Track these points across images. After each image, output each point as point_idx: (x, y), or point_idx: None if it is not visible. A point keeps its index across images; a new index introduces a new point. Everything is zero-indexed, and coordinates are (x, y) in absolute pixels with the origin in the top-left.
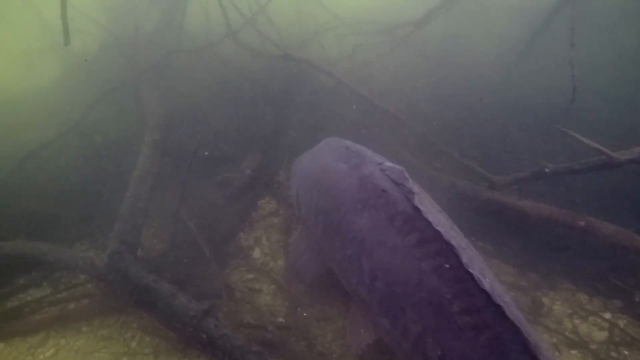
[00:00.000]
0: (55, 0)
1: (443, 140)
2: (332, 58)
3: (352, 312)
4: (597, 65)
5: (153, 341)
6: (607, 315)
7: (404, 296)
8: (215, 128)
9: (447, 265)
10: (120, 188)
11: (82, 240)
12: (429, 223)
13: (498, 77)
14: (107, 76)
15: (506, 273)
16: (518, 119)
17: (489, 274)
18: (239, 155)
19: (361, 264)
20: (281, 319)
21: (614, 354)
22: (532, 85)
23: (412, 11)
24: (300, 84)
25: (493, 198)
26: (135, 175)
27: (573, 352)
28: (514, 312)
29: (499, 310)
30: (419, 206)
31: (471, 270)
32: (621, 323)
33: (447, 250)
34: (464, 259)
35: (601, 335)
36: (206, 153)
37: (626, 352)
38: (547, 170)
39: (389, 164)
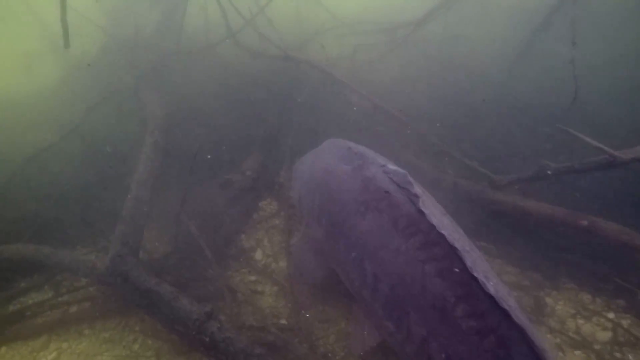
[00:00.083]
0: (54, 2)
1: (444, 140)
2: (332, 58)
3: (355, 314)
4: (598, 64)
5: (155, 344)
6: (611, 315)
7: (407, 299)
8: (216, 129)
9: (451, 269)
10: (121, 190)
11: (84, 243)
12: (432, 226)
13: (499, 76)
14: (108, 78)
15: (508, 273)
16: (519, 118)
17: (493, 276)
18: (240, 156)
19: (364, 266)
20: (283, 321)
21: (618, 354)
22: (534, 84)
23: (412, 11)
24: (301, 84)
25: (495, 198)
26: (136, 178)
27: (577, 352)
28: (519, 316)
29: (503, 314)
30: (423, 209)
31: (475, 274)
32: (625, 323)
33: (451, 254)
34: (468, 263)
35: (605, 336)
36: (209, 156)
37: (630, 356)
38: (549, 172)
39: (392, 166)
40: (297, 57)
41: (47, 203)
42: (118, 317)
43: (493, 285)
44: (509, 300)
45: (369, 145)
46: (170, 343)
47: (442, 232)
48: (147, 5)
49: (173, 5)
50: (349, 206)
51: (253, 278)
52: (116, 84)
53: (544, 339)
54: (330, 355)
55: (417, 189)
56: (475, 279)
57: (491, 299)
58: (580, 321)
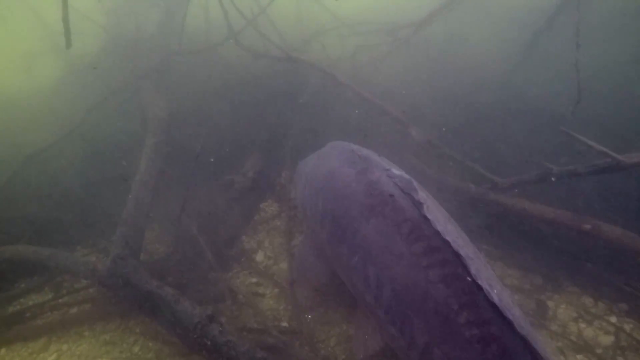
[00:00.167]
0: (55, 2)
1: (446, 142)
2: (333, 59)
3: (358, 318)
4: (602, 66)
5: (155, 346)
6: (613, 319)
7: (410, 305)
8: (217, 130)
9: (455, 276)
10: (122, 191)
11: (84, 244)
12: (436, 232)
13: (501, 77)
14: (109, 78)
15: (510, 276)
16: (522, 120)
17: (497, 284)
18: (241, 157)
19: (367, 270)
20: (284, 323)
21: (620, 358)
22: (536, 85)
23: (413, 12)
24: (302, 85)
25: (497, 200)
26: (137, 179)
27: (579, 356)
28: (523, 325)
29: (507, 323)
30: (427, 215)
31: (480, 282)
32: (627, 327)
33: (455, 260)
34: (473, 270)
35: (607, 340)
36: (212, 159)
37: None
38: (553, 179)
39: (396, 171)
40: (298, 58)
41: (47, 203)
42: (118, 319)
43: (497, 293)
44: (513, 309)
45: (371, 146)
46: (171, 345)
47: (447, 238)
48: (148, 5)
49: (174, 6)
50: (352, 210)
51: (254, 280)
52: (117, 84)
53: (547, 349)
54: (331, 358)
55: (422, 194)
56: (479, 287)
57: (495, 307)
58: (582, 325)
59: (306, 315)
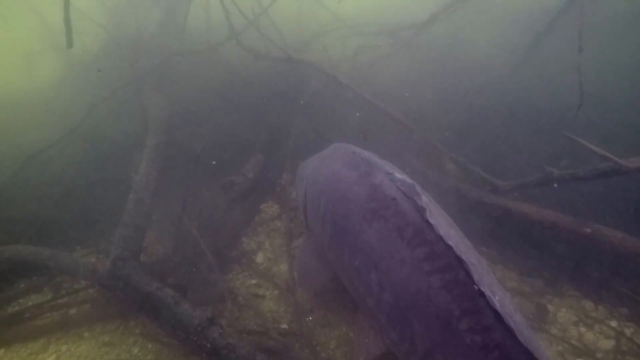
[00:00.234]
0: (55, 1)
1: (447, 144)
2: (334, 60)
3: (359, 323)
4: (604, 69)
5: (155, 347)
6: (614, 324)
7: (412, 310)
8: (218, 131)
9: (457, 282)
10: (122, 191)
11: (84, 244)
12: (439, 237)
13: (503, 79)
14: (109, 78)
15: (510, 279)
16: (522, 122)
17: (499, 290)
18: (241, 158)
19: (369, 274)
20: (285, 325)
21: None
22: (537, 88)
23: (414, 13)
24: (303, 86)
25: (497, 203)
26: (137, 180)
27: None
28: (525, 332)
29: (509, 330)
30: (430, 220)
31: (482, 288)
32: (628, 332)
33: (457, 266)
34: (475, 276)
35: (608, 344)
36: (213, 162)
37: None
38: (555, 185)
39: (399, 175)
40: (299, 59)
41: (47, 203)
42: (118, 320)
43: (499, 299)
44: (515, 316)
45: (372, 148)
46: (171, 347)
47: (449, 243)
48: (149, 5)
49: (175, 5)
50: (354, 213)
51: (254, 281)
52: (117, 84)
53: (549, 357)
54: None
55: (425, 199)
56: (482, 293)
57: (497, 314)
58: (583, 329)
59: (306, 318)
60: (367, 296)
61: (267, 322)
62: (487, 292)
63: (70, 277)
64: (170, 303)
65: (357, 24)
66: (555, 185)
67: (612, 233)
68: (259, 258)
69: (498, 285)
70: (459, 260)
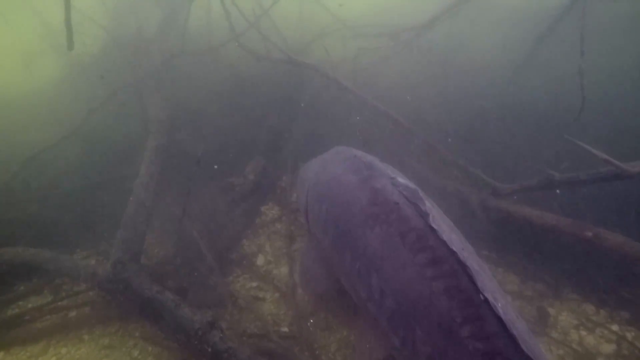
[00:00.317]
0: (56, 1)
1: (448, 146)
2: (335, 61)
3: (360, 327)
4: (606, 72)
5: (155, 350)
6: (615, 328)
7: (414, 316)
8: (218, 132)
9: (459, 288)
10: (123, 192)
11: (84, 246)
12: (441, 243)
13: (503, 82)
14: (109, 79)
15: (511, 282)
16: (523, 124)
17: (502, 297)
18: (242, 159)
19: (371, 279)
20: (285, 328)
21: None
22: (538, 90)
23: (415, 14)
24: (304, 88)
25: (498, 206)
26: (138, 182)
27: None
28: (528, 339)
29: (512, 338)
30: (433, 225)
31: (486, 295)
32: (629, 336)
33: (460, 272)
34: (479, 283)
35: (609, 348)
36: (215, 167)
37: None
38: (558, 191)
39: (401, 179)
40: (300, 61)
41: (47, 205)
42: (118, 323)
43: (501, 306)
44: (517, 323)
45: (372, 150)
46: (171, 350)
47: (453, 248)
48: (149, 5)
49: (176, 6)
50: (356, 218)
51: (254, 284)
52: (118, 85)
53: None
54: None
55: (428, 204)
56: (483, 300)
57: (499, 321)
58: (584, 332)
59: (307, 321)
60: (368, 300)
61: (267, 325)
62: (491, 299)
63: (70, 280)
64: (171, 307)
65: (358, 25)
66: (558, 191)
67: (613, 237)
68: (260, 260)
69: (500, 292)
70: (463, 266)
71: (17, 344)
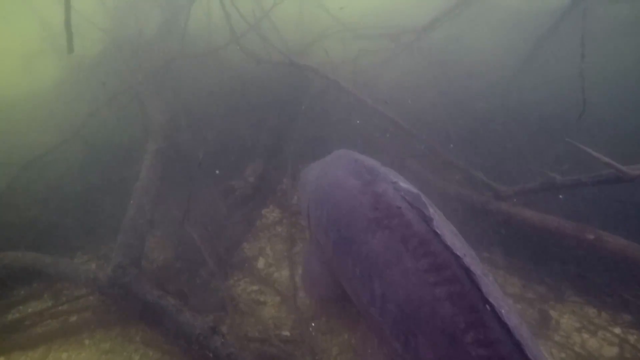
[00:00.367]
0: (56, 2)
1: (448, 148)
2: (335, 63)
3: (361, 331)
4: (607, 74)
5: (156, 355)
6: (617, 330)
7: (416, 321)
8: (218, 135)
9: (462, 294)
10: (123, 196)
11: (84, 250)
12: (444, 248)
13: (504, 83)
14: (109, 81)
15: (512, 285)
16: (524, 126)
17: (505, 304)
18: (242, 162)
19: (373, 284)
20: (286, 332)
21: None
22: (539, 92)
23: (416, 16)
24: (304, 90)
25: (499, 208)
26: (138, 186)
27: None
28: (532, 346)
29: (516, 345)
30: (436, 230)
31: (491, 300)
32: (632, 339)
33: (464, 278)
34: (484, 288)
35: (611, 351)
36: (217, 172)
37: None
38: (560, 195)
39: (403, 184)
40: (301, 63)
41: (47, 208)
42: (119, 327)
43: (505, 312)
44: (521, 329)
45: (374, 155)
46: (171, 355)
47: (457, 253)
48: (150, 8)
49: (176, 9)
50: (358, 223)
51: (255, 287)
52: (118, 87)
53: None
54: None
55: (430, 209)
56: (487, 305)
57: (504, 327)
58: (586, 335)
59: (308, 324)
60: (370, 306)
61: (268, 329)
62: (496, 306)
63: (71, 284)
64: (172, 312)
65: (358, 27)
66: (561, 196)
67: (615, 239)
68: (260, 264)
69: (503, 298)
70: (467, 272)
71: (17, 349)
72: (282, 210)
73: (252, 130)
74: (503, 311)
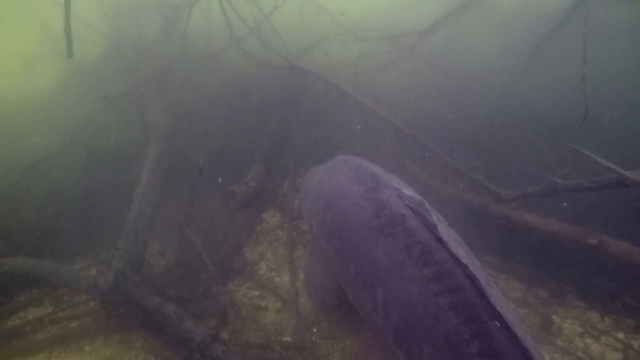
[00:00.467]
0: (56, 6)
1: (449, 151)
2: (336, 65)
3: (364, 338)
4: (608, 76)
5: None
6: (620, 335)
7: (419, 330)
8: (219, 139)
9: (466, 303)
10: (123, 200)
11: (84, 255)
12: (449, 256)
13: (505, 85)
14: (109, 85)
15: (514, 289)
16: (525, 129)
17: (511, 315)
18: (243, 166)
19: (376, 292)
20: (288, 338)
21: None
22: (540, 93)
23: (417, 19)
24: (305, 93)
25: (501, 212)
26: (139, 192)
27: None
28: (537, 357)
29: (522, 355)
30: (441, 237)
31: (498, 309)
32: (635, 344)
33: (469, 287)
34: (491, 298)
35: (614, 357)
36: (220, 179)
37: None
38: (564, 203)
39: (407, 192)
40: (302, 67)
41: (47, 213)
42: (119, 333)
43: (512, 323)
44: (526, 340)
45: (376, 160)
46: None
47: (463, 261)
48: (149, 11)
49: (177, 12)
50: (360, 230)
51: (256, 293)
52: (118, 91)
53: None
54: None
55: (434, 217)
56: (499, 316)
57: (511, 337)
58: (589, 340)
59: (310, 330)
60: (373, 313)
61: (270, 334)
62: (506, 315)
63: (71, 290)
64: (173, 319)
65: (358, 29)
66: (565, 204)
67: (618, 244)
68: (261, 269)
69: (509, 309)
70: (472, 280)
71: (17, 355)
72: (283, 215)
73: (253, 133)
74: (510, 323)
